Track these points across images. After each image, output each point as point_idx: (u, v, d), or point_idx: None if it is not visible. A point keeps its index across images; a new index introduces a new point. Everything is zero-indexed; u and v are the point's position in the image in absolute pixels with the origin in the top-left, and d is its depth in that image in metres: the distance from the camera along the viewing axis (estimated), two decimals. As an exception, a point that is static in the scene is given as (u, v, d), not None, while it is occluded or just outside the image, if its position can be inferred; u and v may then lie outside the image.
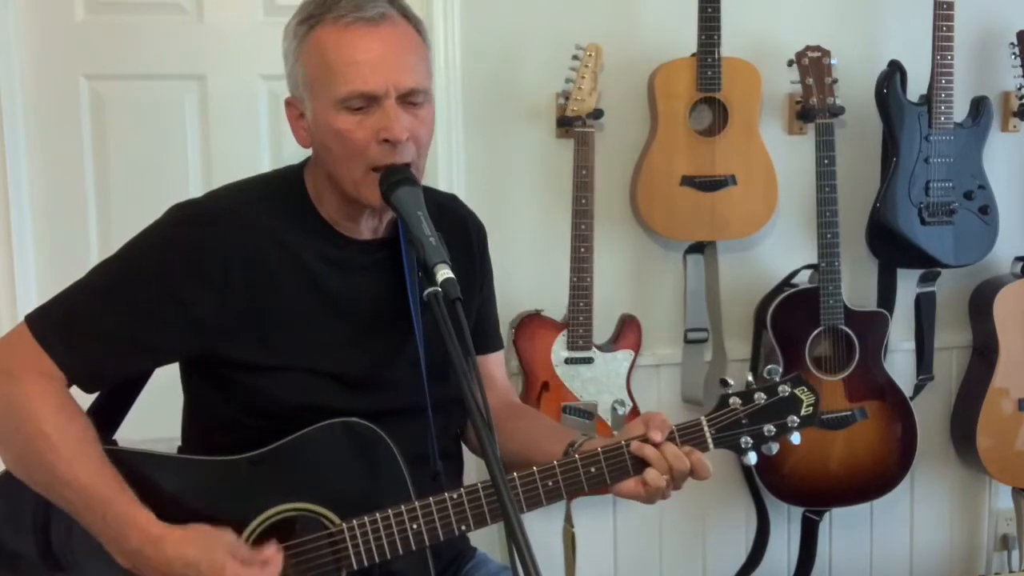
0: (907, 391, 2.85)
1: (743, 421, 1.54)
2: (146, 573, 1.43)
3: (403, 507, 1.48)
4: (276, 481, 1.50)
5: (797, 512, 2.93)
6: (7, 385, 1.47)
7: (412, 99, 1.48)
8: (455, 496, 1.48)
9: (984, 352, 2.92)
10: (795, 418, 1.55)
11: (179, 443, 1.67)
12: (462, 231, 1.70)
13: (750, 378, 1.57)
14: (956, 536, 3.13)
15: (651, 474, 1.50)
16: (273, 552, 1.44)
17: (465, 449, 1.76)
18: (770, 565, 2.95)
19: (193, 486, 1.49)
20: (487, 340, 1.79)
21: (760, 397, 1.54)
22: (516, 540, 1.18)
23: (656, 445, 1.50)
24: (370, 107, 1.46)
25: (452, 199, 1.79)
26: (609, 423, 2.65)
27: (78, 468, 1.43)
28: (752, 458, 1.55)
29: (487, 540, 1.96)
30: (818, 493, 2.81)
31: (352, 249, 1.58)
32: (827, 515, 2.93)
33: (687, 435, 1.53)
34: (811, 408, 1.55)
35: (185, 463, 1.56)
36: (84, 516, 1.43)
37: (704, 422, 1.54)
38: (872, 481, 2.82)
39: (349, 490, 1.51)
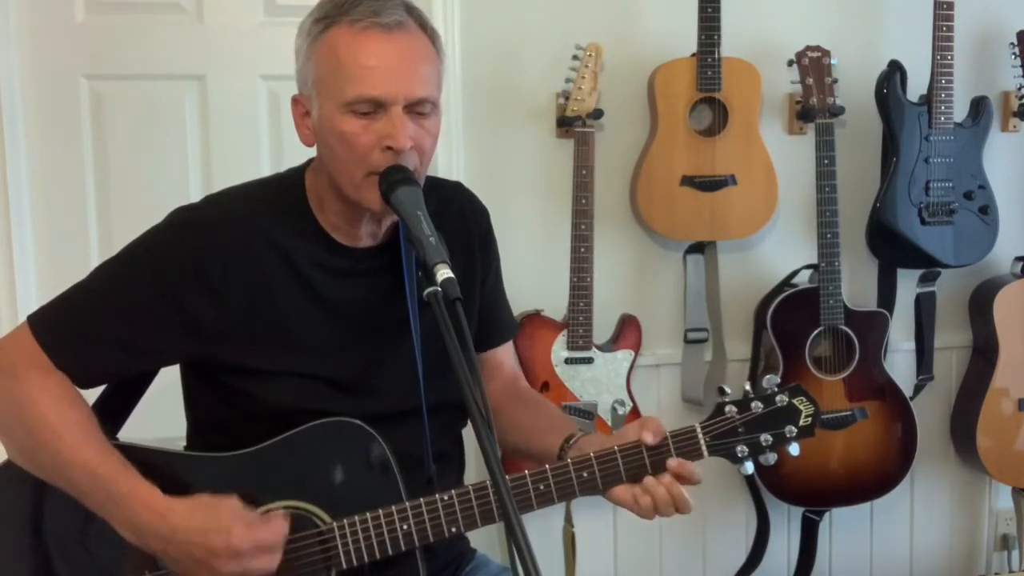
0: (907, 391, 2.85)
1: (739, 430, 1.53)
2: (154, 545, 1.43)
3: (394, 508, 1.48)
4: (268, 478, 1.51)
5: (797, 512, 2.93)
6: (8, 381, 1.49)
7: (420, 109, 1.49)
8: (446, 498, 1.48)
9: (984, 352, 2.92)
10: (793, 428, 1.54)
11: (183, 443, 1.67)
12: (461, 222, 1.69)
13: (747, 387, 1.56)
14: (956, 536, 3.13)
15: (647, 489, 1.50)
16: (279, 515, 1.44)
17: (468, 450, 1.76)
18: (770, 565, 2.95)
19: (184, 482, 1.49)
20: (498, 330, 1.78)
21: (757, 406, 1.53)
22: (516, 540, 1.18)
23: (649, 448, 1.50)
24: (377, 113, 1.46)
25: (455, 188, 1.77)
26: (609, 423, 2.66)
27: (81, 451, 1.44)
28: (749, 468, 1.53)
29: (487, 541, 1.95)
30: (818, 493, 2.81)
31: (349, 256, 1.58)
32: (827, 515, 2.94)
33: (681, 442, 1.53)
34: (809, 419, 1.54)
35: (181, 459, 1.57)
36: (90, 496, 1.45)
37: (699, 429, 1.53)
38: (872, 481, 2.82)
39: (341, 489, 1.51)
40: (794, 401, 1.54)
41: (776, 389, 1.55)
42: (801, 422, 1.54)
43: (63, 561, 1.52)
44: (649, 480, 1.51)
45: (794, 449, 1.54)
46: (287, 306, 1.54)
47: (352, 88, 1.46)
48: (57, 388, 1.48)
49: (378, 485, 1.51)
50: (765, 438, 1.53)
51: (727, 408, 1.54)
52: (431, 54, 1.52)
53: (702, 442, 1.53)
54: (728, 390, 1.56)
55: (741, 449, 1.53)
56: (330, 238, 1.57)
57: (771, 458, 1.54)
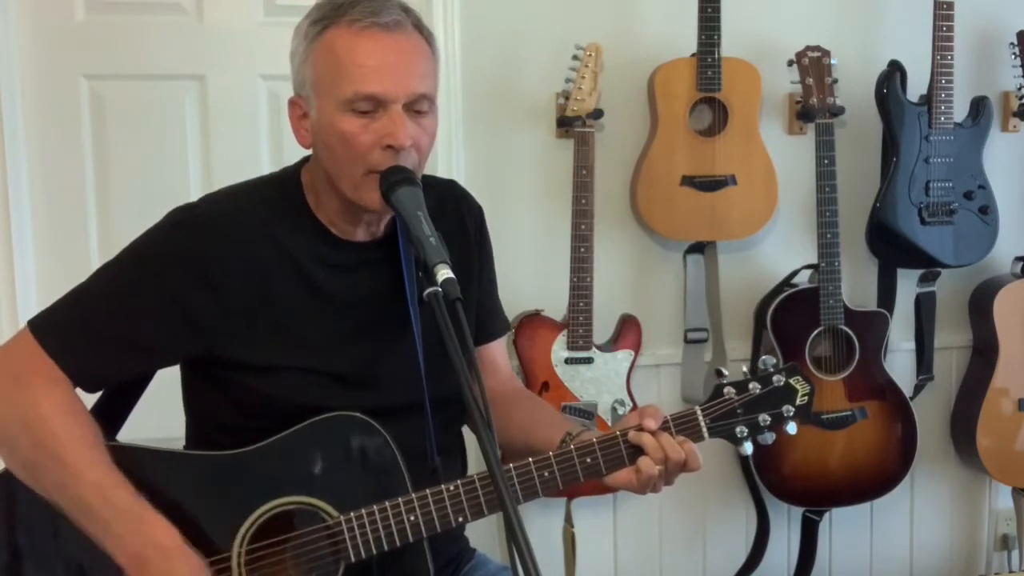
0: (907, 391, 2.85)
1: (738, 411, 1.54)
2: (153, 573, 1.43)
3: (400, 499, 1.48)
4: (274, 475, 1.51)
5: (797, 512, 2.93)
6: (14, 391, 1.48)
7: (418, 107, 1.49)
8: (452, 488, 1.48)
9: (984, 352, 2.92)
10: (790, 408, 1.55)
11: (182, 443, 1.67)
12: (457, 218, 1.70)
13: (745, 369, 1.58)
14: (956, 536, 3.13)
15: (644, 462, 1.50)
16: None
17: (469, 445, 1.76)
18: (770, 565, 2.95)
19: (192, 481, 1.50)
20: (490, 327, 1.79)
21: (754, 387, 1.55)
22: (516, 540, 1.18)
23: (651, 433, 1.51)
24: (376, 111, 1.47)
25: (449, 185, 1.78)
26: (609, 423, 2.66)
27: (88, 471, 1.44)
28: (748, 448, 1.55)
29: (487, 540, 1.95)
30: (818, 493, 2.81)
31: (348, 250, 1.58)
32: (827, 515, 2.94)
33: (682, 424, 1.54)
34: (806, 397, 1.56)
35: (185, 458, 1.57)
36: (97, 515, 1.43)
37: (699, 411, 1.54)
38: (872, 481, 2.82)
39: (347, 483, 1.51)
40: (791, 381, 1.56)
41: (772, 370, 1.56)
42: (798, 401, 1.55)
43: (64, 567, 1.51)
44: (664, 437, 1.51)
45: (791, 428, 1.56)
46: (288, 301, 1.54)
47: (351, 86, 1.46)
48: (63, 401, 1.48)
49: (383, 478, 1.51)
50: (763, 418, 1.54)
51: (726, 390, 1.55)
52: (428, 53, 1.53)
53: (702, 424, 1.54)
54: (726, 372, 1.57)
55: (740, 430, 1.54)
56: (328, 232, 1.58)
57: (769, 437, 1.55)
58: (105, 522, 1.43)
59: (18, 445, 1.48)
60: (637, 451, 1.51)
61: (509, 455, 1.51)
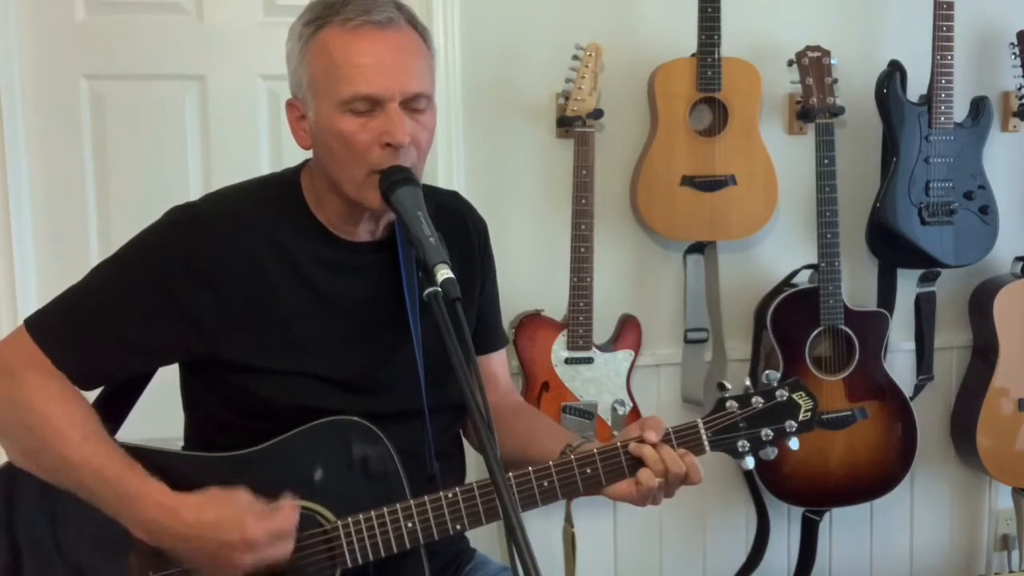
0: (907, 391, 2.85)
1: (740, 425, 1.54)
2: (166, 543, 1.43)
3: (398, 505, 1.48)
4: (272, 478, 1.50)
5: (797, 512, 2.93)
6: (7, 383, 1.48)
7: (415, 104, 1.49)
8: (450, 495, 1.48)
9: (984, 352, 2.92)
10: (793, 423, 1.55)
11: (180, 443, 1.67)
12: (461, 229, 1.70)
13: (747, 382, 1.58)
14: (956, 536, 3.13)
15: (644, 474, 1.50)
16: (289, 503, 1.44)
17: (468, 450, 1.76)
18: (770, 565, 2.95)
19: (189, 482, 1.49)
20: (489, 339, 1.79)
21: (757, 401, 1.55)
22: (516, 540, 1.18)
23: (652, 445, 1.50)
24: (374, 110, 1.47)
25: (453, 197, 1.79)
26: (609, 423, 2.65)
27: (87, 449, 1.44)
28: (749, 462, 1.55)
29: (487, 541, 1.95)
30: (818, 493, 2.81)
31: (348, 251, 1.58)
32: (827, 515, 2.93)
33: (683, 437, 1.54)
34: (809, 413, 1.56)
35: (182, 459, 1.57)
36: (98, 494, 1.44)
37: (701, 424, 1.54)
38: (872, 481, 2.82)
39: (345, 488, 1.51)
40: (794, 396, 1.56)
41: (776, 384, 1.56)
42: (801, 416, 1.55)
43: (64, 564, 1.51)
44: (664, 450, 1.50)
45: (794, 443, 1.56)
46: (286, 303, 1.54)
47: (348, 87, 1.46)
48: (57, 387, 1.48)
49: (382, 483, 1.51)
50: (766, 433, 1.54)
51: (728, 403, 1.55)
52: (423, 50, 1.53)
53: (704, 437, 1.54)
54: (729, 385, 1.57)
55: (742, 444, 1.54)
56: (328, 232, 1.57)
57: (771, 452, 1.55)
58: (109, 504, 1.44)
59: (15, 433, 1.49)
60: (637, 463, 1.51)
61: (509, 467, 1.51)
